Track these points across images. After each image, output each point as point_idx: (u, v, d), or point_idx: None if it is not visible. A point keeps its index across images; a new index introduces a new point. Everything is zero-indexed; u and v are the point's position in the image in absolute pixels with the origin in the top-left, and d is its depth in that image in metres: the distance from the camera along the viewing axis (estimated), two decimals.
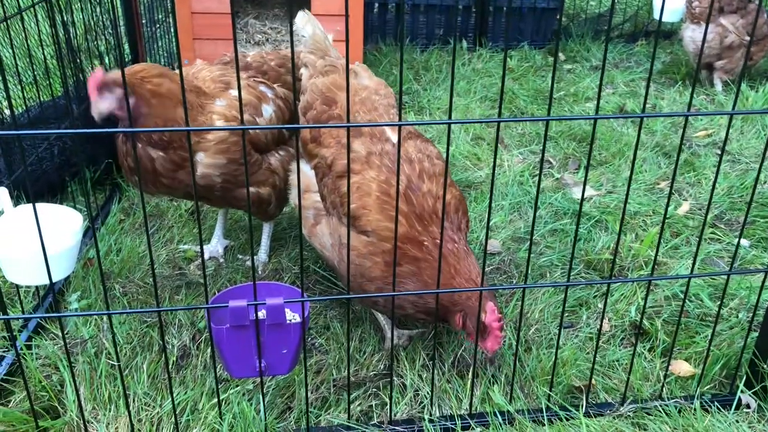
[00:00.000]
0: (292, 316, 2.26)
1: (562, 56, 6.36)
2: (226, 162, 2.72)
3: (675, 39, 6.67)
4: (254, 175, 2.86)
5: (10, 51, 2.86)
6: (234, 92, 2.80)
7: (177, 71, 2.72)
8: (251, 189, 2.87)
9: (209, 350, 2.61)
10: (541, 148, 4.43)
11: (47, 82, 3.15)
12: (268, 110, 2.88)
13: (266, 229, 3.21)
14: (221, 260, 3.19)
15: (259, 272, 3.14)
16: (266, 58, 3.07)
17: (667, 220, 3.57)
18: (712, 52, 5.43)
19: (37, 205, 1.85)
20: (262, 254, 3.20)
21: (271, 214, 3.07)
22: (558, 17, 6.23)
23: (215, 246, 3.25)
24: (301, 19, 2.86)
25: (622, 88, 5.56)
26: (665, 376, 2.46)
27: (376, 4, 6.48)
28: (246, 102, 2.81)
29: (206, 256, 3.11)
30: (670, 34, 6.80)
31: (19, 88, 3.12)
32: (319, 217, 2.56)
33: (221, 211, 3.29)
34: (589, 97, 5.35)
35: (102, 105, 2.50)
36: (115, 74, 2.50)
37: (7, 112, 3.23)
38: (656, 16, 6.29)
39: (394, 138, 2.50)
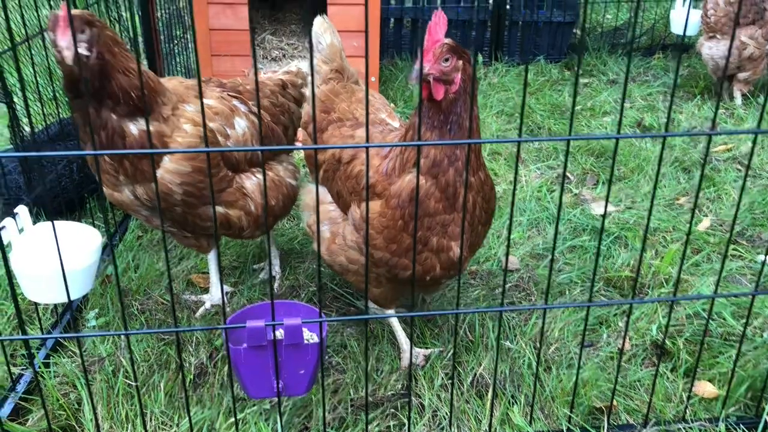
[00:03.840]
0: (309, 336, 2.25)
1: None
2: (190, 170, 2.49)
3: (692, 52, 6.62)
4: (222, 193, 2.67)
5: (31, 70, 2.89)
6: (206, 101, 2.61)
7: None
8: (218, 209, 2.67)
9: (226, 368, 2.60)
10: (559, 163, 4.41)
11: (67, 99, 3.18)
12: (241, 124, 2.72)
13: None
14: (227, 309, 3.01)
15: (275, 288, 3.13)
16: (241, 82, 2.94)
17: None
18: (731, 65, 5.38)
19: (56, 222, 1.86)
20: (273, 270, 3.19)
21: (249, 237, 2.90)
22: (575, 31, 6.21)
23: (216, 293, 3.02)
24: (320, 25, 2.79)
25: (639, 103, 5.52)
26: (689, 398, 2.41)
27: (392, 20, 6.50)
28: (218, 111, 2.65)
29: (207, 306, 2.99)
30: (687, 48, 6.76)
31: (39, 105, 3.15)
32: (336, 226, 2.52)
33: (211, 255, 2.99)
34: (606, 111, 5.31)
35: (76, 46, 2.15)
36: (83, 12, 2.27)
37: (27, 129, 3.26)
38: (673, 29, 6.25)
39: (395, 123, 2.64)
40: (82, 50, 2.25)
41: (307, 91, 3.15)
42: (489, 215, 2.43)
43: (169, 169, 2.48)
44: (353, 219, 2.43)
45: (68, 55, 2.17)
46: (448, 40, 2.11)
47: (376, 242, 2.33)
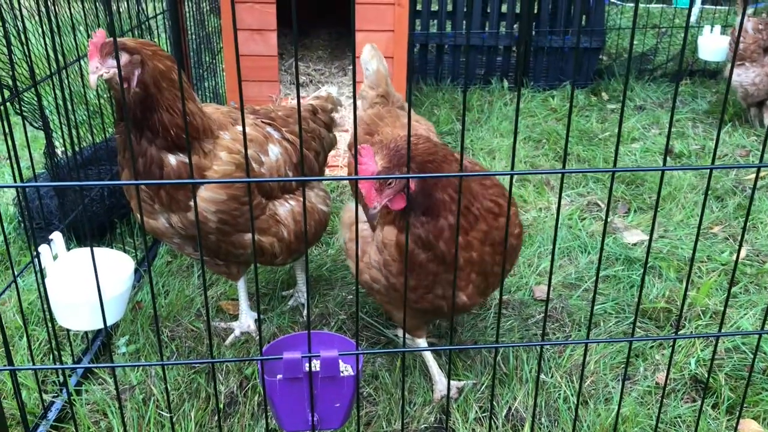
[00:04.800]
0: (344, 368, 2.21)
1: (605, 96, 6.30)
2: (225, 198, 2.48)
3: (720, 78, 6.57)
4: (255, 220, 2.62)
5: (68, 96, 2.91)
6: (240, 128, 2.55)
7: None
8: (251, 236, 2.62)
9: (257, 398, 2.57)
10: (589, 190, 4.36)
11: (102, 125, 3.21)
12: (274, 150, 2.70)
13: (298, 270, 3.19)
14: (254, 335, 2.96)
15: (304, 316, 3.09)
16: (273, 108, 2.93)
17: (723, 267, 3.45)
18: (760, 93, 5.32)
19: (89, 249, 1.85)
20: (302, 297, 3.17)
21: (281, 264, 2.89)
22: (601, 57, 6.18)
23: (245, 321, 3.00)
24: (368, 53, 2.87)
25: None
26: None
27: (417, 45, 6.52)
28: (251, 138, 2.63)
29: (237, 333, 2.96)
30: (714, 74, 6.71)
31: (75, 130, 3.18)
32: (366, 245, 2.51)
33: (240, 283, 3.00)
34: (634, 137, 5.27)
35: (103, 70, 2.20)
36: (124, 39, 2.30)
37: (60, 153, 3.28)
38: (700, 55, 6.22)
39: None
40: (115, 76, 2.24)
41: (338, 116, 3.16)
42: (507, 257, 2.38)
43: (205, 198, 2.46)
44: (377, 241, 2.43)
45: (92, 80, 2.21)
46: (380, 163, 2.02)
47: (392, 269, 2.34)
